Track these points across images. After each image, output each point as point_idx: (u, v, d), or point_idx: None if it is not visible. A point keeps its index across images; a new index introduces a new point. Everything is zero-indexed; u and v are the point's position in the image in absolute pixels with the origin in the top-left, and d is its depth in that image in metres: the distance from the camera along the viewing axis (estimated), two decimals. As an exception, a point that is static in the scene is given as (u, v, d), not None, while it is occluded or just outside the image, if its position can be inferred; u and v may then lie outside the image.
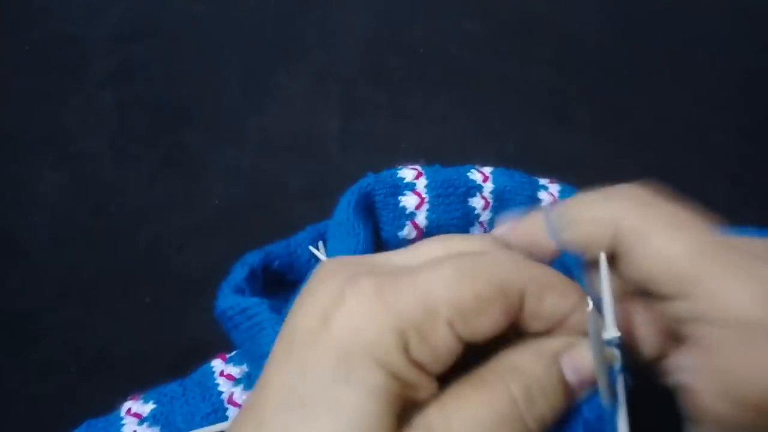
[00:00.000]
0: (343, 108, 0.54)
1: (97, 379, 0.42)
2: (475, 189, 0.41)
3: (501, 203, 0.41)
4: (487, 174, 0.41)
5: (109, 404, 0.39)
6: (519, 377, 0.21)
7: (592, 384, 0.22)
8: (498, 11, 0.60)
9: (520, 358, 0.22)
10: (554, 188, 0.42)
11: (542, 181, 0.42)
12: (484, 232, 0.42)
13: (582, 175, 0.45)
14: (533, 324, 0.22)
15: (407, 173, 0.40)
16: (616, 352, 0.22)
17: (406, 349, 0.20)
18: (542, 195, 0.41)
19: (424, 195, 0.40)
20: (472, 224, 0.41)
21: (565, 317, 0.22)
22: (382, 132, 0.53)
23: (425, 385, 0.21)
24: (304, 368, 0.20)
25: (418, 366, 0.20)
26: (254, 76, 0.56)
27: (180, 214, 0.49)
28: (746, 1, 0.61)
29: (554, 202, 0.41)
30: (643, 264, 0.23)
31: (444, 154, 0.51)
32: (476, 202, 0.41)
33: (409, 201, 0.40)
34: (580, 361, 0.22)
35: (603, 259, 0.24)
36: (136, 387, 0.40)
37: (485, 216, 0.41)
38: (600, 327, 0.22)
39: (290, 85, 0.56)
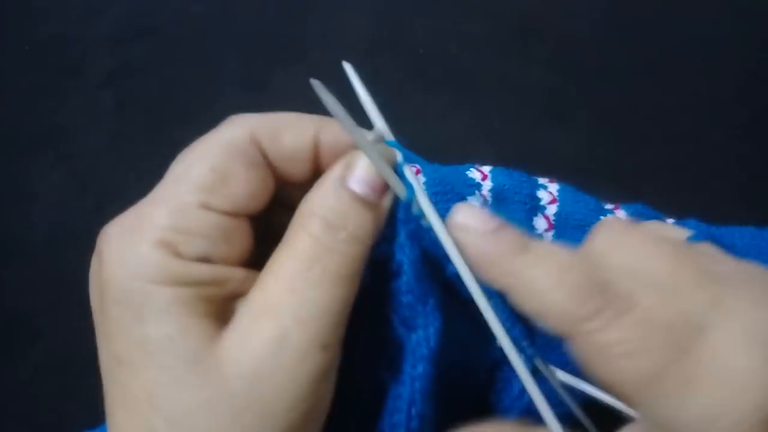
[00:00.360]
0: (343, 108, 0.54)
1: (97, 379, 0.42)
2: (474, 187, 0.41)
3: (500, 201, 0.41)
4: (486, 173, 0.41)
5: (108, 404, 0.39)
6: (314, 216, 0.21)
7: (387, 187, 0.22)
8: (498, 11, 0.60)
9: (310, 199, 0.22)
10: (553, 187, 0.42)
11: (541, 181, 0.42)
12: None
13: (582, 174, 0.45)
14: (287, 167, 0.22)
15: (406, 171, 0.40)
16: (393, 146, 0.23)
17: (176, 253, 0.20)
18: (541, 194, 0.41)
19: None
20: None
21: (313, 147, 0.22)
22: (382, 132, 0.53)
23: (230, 274, 0.21)
24: (107, 331, 0.21)
25: (201, 260, 0.20)
26: (253, 75, 0.56)
27: (180, 214, 0.49)
28: (746, 1, 0.61)
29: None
30: None
31: (444, 153, 0.51)
32: (475, 201, 0.41)
33: None
34: (362, 172, 0.22)
35: (349, 68, 0.24)
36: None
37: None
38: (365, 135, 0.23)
39: (290, 85, 0.56)
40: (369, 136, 0.23)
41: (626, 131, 0.53)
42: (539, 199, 0.41)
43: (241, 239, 0.22)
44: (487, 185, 0.41)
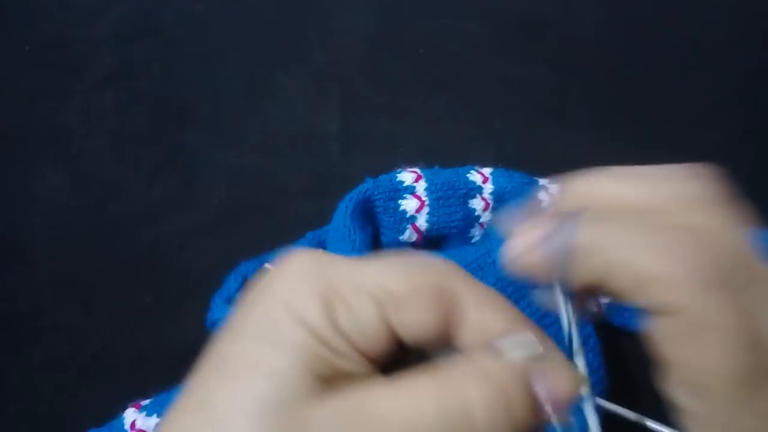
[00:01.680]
0: (343, 108, 0.54)
1: (97, 379, 0.42)
2: (475, 190, 0.41)
3: (501, 204, 0.41)
4: (487, 175, 0.41)
5: (109, 404, 0.39)
6: (484, 382, 0.19)
7: (564, 409, 0.20)
8: (498, 11, 0.60)
9: (488, 362, 0.20)
10: (554, 188, 0.42)
11: (542, 182, 0.42)
12: (484, 233, 0.42)
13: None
14: (467, 336, 0.21)
15: (406, 176, 0.40)
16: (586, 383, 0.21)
17: (330, 316, 0.20)
18: (542, 195, 0.41)
19: (424, 198, 0.40)
20: (472, 226, 0.41)
21: (502, 335, 0.21)
22: (382, 132, 0.53)
23: (357, 360, 0.20)
24: (234, 335, 0.20)
25: (344, 336, 0.20)
26: (254, 76, 0.56)
27: (180, 214, 0.49)
28: (746, 1, 0.61)
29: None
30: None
31: (444, 153, 0.51)
32: (476, 204, 0.41)
33: (409, 204, 0.40)
34: (555, 379, 0.20)
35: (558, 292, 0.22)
36: (136, 387, 0.40)
37: (485, 217, 0.41)
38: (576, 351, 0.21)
39: (290, 85, 0.56)
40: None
41: (626, 131, 0.53)
42: (540, 201, 0.41)
43: (385, 349, 0.21)
44: (488, 188, 0.41)
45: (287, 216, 0.48)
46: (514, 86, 0.56)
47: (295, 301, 0.20)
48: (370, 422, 0.18)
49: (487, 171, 0.41)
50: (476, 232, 0.42)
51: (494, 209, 0.41)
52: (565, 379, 0.20)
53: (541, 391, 0.20)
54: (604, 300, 0.40)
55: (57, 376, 0.42)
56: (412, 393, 0.19)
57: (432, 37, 0.59)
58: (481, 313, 0.21)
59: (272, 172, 0.51)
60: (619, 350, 0.40)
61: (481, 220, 0.41)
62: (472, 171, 0.41)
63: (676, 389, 0.19)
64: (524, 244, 0.22)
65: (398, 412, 0.18)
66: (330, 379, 0.19)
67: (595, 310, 0.40)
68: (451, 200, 0.40)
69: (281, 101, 0.55)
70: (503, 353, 0.20)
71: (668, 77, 0.57)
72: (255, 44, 0.58)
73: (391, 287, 0.20)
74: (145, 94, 0.55)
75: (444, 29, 0.59)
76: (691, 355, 0.18)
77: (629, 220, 0.20)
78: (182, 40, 0.59)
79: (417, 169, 0.41)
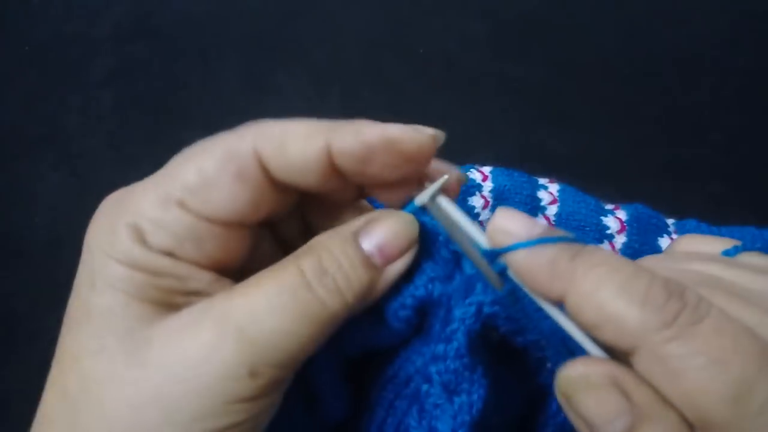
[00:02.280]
0: (343, 108, 0.54)
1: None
2: (475, 188, 0.40)
3: (500, 202, 0.41)
4: (487, 173, 0.41)
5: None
6: (313, 255, 0.20)
7: (398, 257, 0.21)
8: (498, 11, 0.60)
9: (319, 238, 0.21)
10: (553, 188, 0.42)
11: (542, 181, 0.42)
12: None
13: (582, 175, 0.45)
14: (294, 179, 0.21)
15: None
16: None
17: (142, 240, 0.20)
18: (542, 194, 0.41)
19: (423, 195, 0.40)
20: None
21: (320, 155, 0.21)
22: (382, 132, 0.53)
23: (191, 273, 0.20)
24: (74, 285, 0.21)
25: (166, 254, 0.20)
26: (254, 76, 0.56)
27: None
28: (746, 1, 0.61)
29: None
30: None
31: (444, 154, 0.50)
32: (476, 201, 0.41)
33: None
34: (381, 233, 0.21)
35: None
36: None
37: (485, 215, 0.41)
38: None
39: (290, 85, 0.56)
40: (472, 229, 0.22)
41: (626, 131, 0.53)
42: (540, 200, 0.41)
43: (220, 245, 0.21)
44: (488, 186, 0.41)
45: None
46: (514, 86, 0.56)
47: (104, 241, 0.21)
48: (211, 323, 0.19)
49: (486, 169, 0.41)
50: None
51: (494, 207, 0.41)
52: (389, 227, 0.21)
53: (368, 245, 0.21)
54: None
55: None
56: (249, 288, 0.20)
57: (432, 37, 0.59)
58: (282, 146, 0.21)
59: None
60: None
61: (481, 218, 0.41)
62: (471, 169, 0.41)
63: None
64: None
65: (238, 305, 0.19)
66: (170, 303, 0.20)
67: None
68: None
69: (281, 101, 0.55)
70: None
71: (668, 77, 0.57)
72: (255, 44, 0.58)
73: (182, 181, 0.21)
74: (145, 94, 0.55)
75: (444, 29, 0.59)
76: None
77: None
78: (182, 40, 0.59)
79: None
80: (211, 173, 0.20)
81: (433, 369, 0.22)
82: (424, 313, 0.22)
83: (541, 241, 0.20)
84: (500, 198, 0.41)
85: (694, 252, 0.25)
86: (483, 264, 0.21)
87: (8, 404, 0.42)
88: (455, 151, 0.52)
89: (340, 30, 0.59)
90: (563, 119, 0.54)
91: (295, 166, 0.21)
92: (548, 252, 0.20)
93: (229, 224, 0.21)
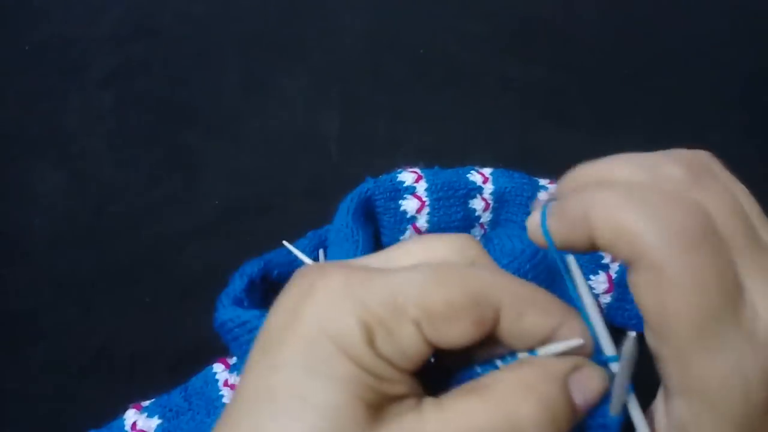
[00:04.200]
0: (343, 108, 0.54)
1: (97, 379, 0.42)
2: (476, 191, 0.40)
3: (501, 204, 0.41)
4: (487, 175, 0.41)
5: (108, 404, 0.39)
6: (532, 397, 0.20)
7: (596, 406, 0.22)
8: (498, 11, 0.60)
9: (531, 376, 0.21)
10: (554, 188, 0.42)
11: (542, 182, 0.42)
12: (485, 233, 0.42)
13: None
14: (513, 342, 0.22)
15: (407, 177, 0.40)
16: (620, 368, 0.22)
17: (372, 343, 0.20)
18: (542, 196, 0.41)
19: (424, 198, 0.40)
20: (472, 226, 0.41)
21: (548, 336, 0.22)
22: (382, 132, 0.53)
23: (399, 380, 0.20)
24: (275, 364, 0.20)
25: (386, 360, 0.20)
26: (254, 76, 0.56)
27: (180, 214, 0.49)
28: (746, 1, 0.61)
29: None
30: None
31: (444, 154, 0.51)
32: (477, 204, 0.41)
33: (409, 205, 0.40)
34: (587, 382, 0.21)
35: (574, 267, 0.23)
36: (136, 387, 0.40)
37: (486, 217, 0.41)
38: (628, 350, 0.21)
39: (290, 85, 0.56)
40: (606, 351, 0.22)
41: (626, 131, 0.53)
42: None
43: (424, 360, 0.21)
44: (489, 188, 0.41)
45: (287, 216, 0.48)
46: (514, 86, 0.56)
47: (334, 329, 0.20)
48: None
49: (487, 171, 0.41)
50: (477, 233, 0.42)
51: (494, 209, 0.41)
52: (596, 380, 0.21)
53: (578, 396, 0.21)
54: (605, 300, 0.40)
55: (57, 376, 0.42)
56: (462, 415, 0.19)
57: (432, 37, 0.59)
58: (520, 318, 0.21)
59: (272, 172, 0.51)
60: (619, 350, 0.40)
61: (482, 220, 0.41)
62: (472, 171, 0.41)
63: (650, 336, 0.21)
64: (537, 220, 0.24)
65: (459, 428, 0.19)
66: (378, 406, 0.20)
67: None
68: (452, 200, 0.40)
69: (281, 101, 0.55)
70: (545, 359, 0.21)
71: (668, 77, 0.57)
72: (255, 44, 0.58)
73: (427, 306, 0.20)
74: (145, 94, 0.55)
75: (444, 29, 0.59)
76: (658, 303, 0.19)
77: (621, 187, 0.21)
78: (182, 40, 0.59)
79: (417, 170, 0.41)
80: (457, 310, 0.20)
81: None
82: None
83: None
84: (501, 200, 0.41)
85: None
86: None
87: (8, 404, 0.42)
88: (455, 151, 0.53)
89: (340, 30, 0.59)
90: (563, 119, 0.54)
91: (524, 336, 0.21)
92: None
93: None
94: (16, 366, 0.43)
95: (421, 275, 0.21)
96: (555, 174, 0.44)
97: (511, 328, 0.21)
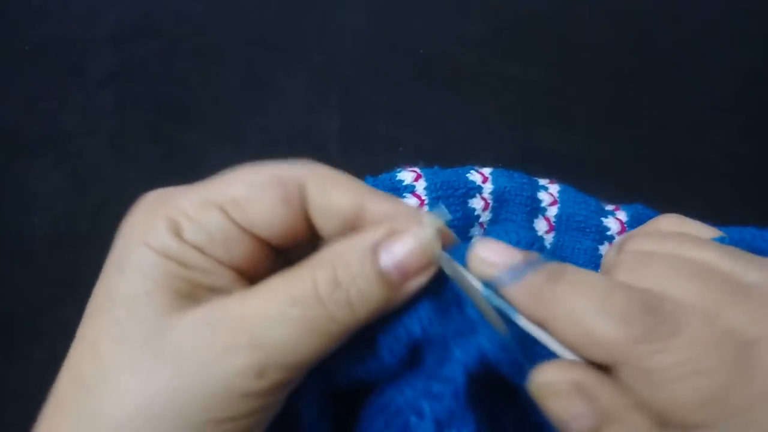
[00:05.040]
0: (343, 108, 0.54)
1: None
2: (475, 190, 0.40)
3: (501, 204, 0.41)
4: (487, 175, 0.41)
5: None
6: (327, 265, 0.21)
7: (417, 276, 0.21)
8: (498, 11, 0.60)
9: (335, 247, 0.21)
10: (554, 188, 0.42)
11: (542, 182, 0.42)
12: (484, 233, 0.42)
13: (582, 175, 0.45)
14: (325, 219, 0.22)
15: (406, 176, 0.40)
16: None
17: (178, 233, 0.21)
18: (542, 195, 0.41)
19: (423, 197, 0.40)
20: (472, 225, 0.41)
21: (358, 212, 0.22)
22: (382, 132, 0.53)
23: (216, 271, 0.21)
24: (102, 271, 0.22)
25: (196, 248, 0.21)
26: (254, 76, 0.56)
27: (180, 214, 0.49)
28: (745, 1, 0.61)
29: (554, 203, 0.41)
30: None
31: (444, 154, 0.51)
32: (476, 203, 0.41)
33: (408, 204, 0.40)
34: (399, 249, 0.21)
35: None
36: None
37: (485, 217, 0.41)
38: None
39: (290, 85, 0.56)
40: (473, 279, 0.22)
41: (626, 131, 0.53)
42: (540, 201, 0.41)
43: (245, 253, 0.22)
44: (488, 188, 0.41)
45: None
46: (514, 86, 0.56)
47: (141, 230, 0.21)
48: (226, 323, 0.20)
49: (486, 171, 0.41)
50: (476, 232, 0.42)
51: (494, 209, 0.41)
52: (407, 244, 0.21)
53: (385, 259, 0.21)
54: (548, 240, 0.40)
55: (56, 376, 0.42)
56: (266, 292, 0.20)
57: (432, 37, 0.59)
58: (326, 193, 0.22)
59: (272, 172, 0.51)
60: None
61: (481, 219, 0.41)
62: (471, 171, 0.41)
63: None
64: (493, 253, 0.22)
65: (252, 310, 0.20)
66: (192, 295, 0.21)
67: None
68: (451, 200, 0.40)
69: (281, 101, 0.55)
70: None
71: (668, 77, 0.57)
72: (255, 44, 0.58)
73: (231, 192, 0.22)
74: (145, 94, 0.55)
75: (444, 29, 0.59)
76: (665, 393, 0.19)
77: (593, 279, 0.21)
78: (182, 40, 0.59)
79: (417, 169, 0.41)
80: (258, 189, 0.22)
81: (425, 404, 0.22)
82: (417, 348, 0.22)
83: (529, 266, 0.21)
84: (501, 200, 0.41)
85: (686, 233, 0.25)
86: (487, 308, 0.21)
87: (8, 404, 0.42)
88: (455, 152, 0.53)
89: (340, 30, 0.59)
90: (563, 119, 0.54)
91: (331, 210, 0.22)
92: (532, 276, 0.21)
93: (259, 239, 0.22)
94: (16, 366, 0.43)
95: (231, 175, 0.23)
96: (555, 174, 0.44)
97: (320, 205, 0.22)
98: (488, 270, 0.21)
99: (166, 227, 0.21)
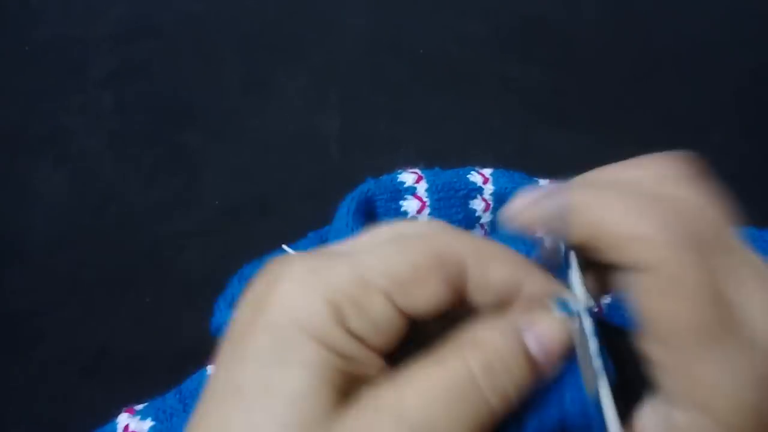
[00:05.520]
0: (343, 108, 0.54)
1: (97, 379, 0.42)
2: (476, 191, 0.40)
3: (502, 205, 0.41)
4: (488, 176, 0.41)
5: (108, 404, 0.39)
6: (478, 351, 0.20)
7: (560, 358, 0.21)
8: (498, 11, 0.60)
9: (480, 332, 0.21)
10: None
11: (542, 182, 0.42)
12: (485, 234, 0.42)
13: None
14: (481, 296, 0.21)
15: (407, 177, 0.40)
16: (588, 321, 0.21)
17: (342, 322, 0.19)
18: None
19: (425, 199, 0.40)
20: (473, 226, 0.41)
21: (514, 289, 0.21)
22: (382, 132, 0.53)
23: (370, 361, 0.20)
24: (243, 356, 0.19)
25: (358, 339, 0.20)
26: (254, 76, 0.56)
27: (180, 214, 0.49)
28: (746, 1, 0.61)
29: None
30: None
31: (444, 154, 0.51)
32: (477, 204, 0.41)
33: (410, 205, 0.40)
34: (544, 332, 0.21)
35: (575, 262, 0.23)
36: (136, 387, 0.40)
37: (486, 218, 0.41)
38: (582, 302, 0.22)
39: (290, 85, 0.56)
40: (578, 303, 0.22)
41: (626, 131, 0.53)
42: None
43: (398, 335, 0.21)
44: (489, 189, 0.41)
45: (287, 216, 0.48)
46: (514, 86, 0.56)
47: (301, 313, 0.19)
48: (388, 421, 0.18)
49: (487, 171, 0.41)
50: (478, 233, 0.42)
51: (495, 210, 0.41)
52: (554, 328, 0.21)
53: (533, 344, 0.21)
54: (605, 300, 0.40)
55: (57, 376, 0.42)
56: (417, 382, 0.19)
57: (432, 37, 0.59)
58: (485, 270, 0.21)
59: (272, 172, 0.51)
60: (618, 350, 0.40)
61: (482, 220, 0.41)
62: (472, 172, 0.41)
63: (649, 342, 0.20)
64: (523, 204, 0.23)
65: (408, 404, 0.19)
66: (348, 390, 0.19)
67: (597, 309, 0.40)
68: (452, 201, 0.40)
69: (281, 101, 0.55)
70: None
71: (668, 77, 0.57)
72: (255, 44, 0.58)
73: (394, 274, 0.20)
74: (145, 94, 0.55)
75: (444, 29, 0.59)
76: (662, 308, 0.19)
77: (617, 188, 0.22)
78: (182, 40, 0.59)
79: (418, 170, 0.41)
80: (424, 272, 0.20)
81: None
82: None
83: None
84: (501, 200, 0.41)
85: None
86: (588, 366, 0.21)
87: (8, 404, 0.42)
88: (455, 152, 0.53)
89: (340, 30, 0.59)
90: (563, 119, 0.54)
91: (490, 290, 0.21)
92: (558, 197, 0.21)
93: (416, 319, 0.21)
94: (16, 366, 0.43)
95: (384, 247, 0.21)
96: (555, 174, 0.44)
97: (478, 283, 0.21)
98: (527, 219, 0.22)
99: (330, 315, 0.19)
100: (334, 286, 0.20)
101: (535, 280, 0.22)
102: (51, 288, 0.46)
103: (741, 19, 0.60)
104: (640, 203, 0.20)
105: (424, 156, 0.48)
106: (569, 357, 0.22)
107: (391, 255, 0.20)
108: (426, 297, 0.20)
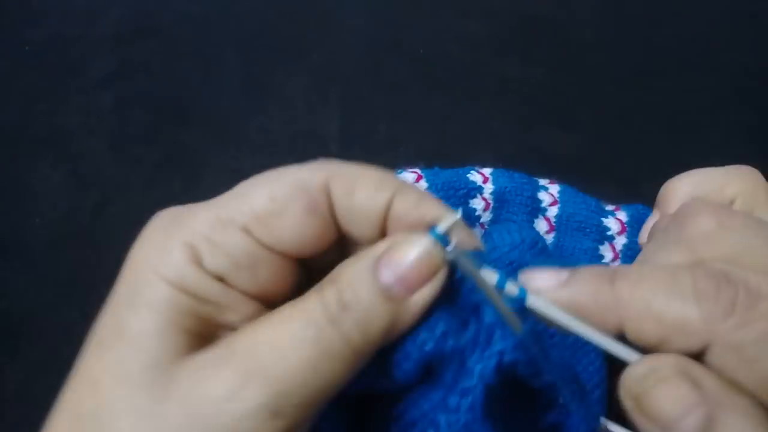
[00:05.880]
0: (343, 108, 0.54)
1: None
2: (476, 191, 0.40)
3: (501, 204, 0.41)
4: (487, 175, 0.41)
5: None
6: (334, 286, 0.19)
7: (423, 287, 0.20)
8: (498, 11, 0.60)
9: (341, 267, 0.20)
10: (554, 189, 0.42)
11: (542, 182, 0.42)
12: (485, 232, 0.42)
13: (582, 175, 0.45)
14: (355, 225, 0.21)
15: (407, 177, 0.40)
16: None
17: (197, 261, 0.19)
18: (542, 195, 0.41)
19: (425, 198, 0.40)
20: (473, 226, 0.41)
21: (385, 210, 0.20)
22: (382, 132, 0.53)
23: (237, 305, 0.20)
24: (108, 306, 0.20)
25: (217, 278, 0.19)
26: (254, 76, 0.56)
27: (180, 214, 0.49)
28: (746, 1, 0.61)
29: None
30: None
31: (444, 154, 0.51)
32: (477, 204, 0.41)
33: None
34: (401, 261, 0.20)
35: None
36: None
37: (486, 217, 0.41)
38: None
39: (290, 85, 0.56)
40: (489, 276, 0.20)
41: (626, 131, 0.53)
42: (540, 201, 0.41)
43: (272, 276, 0.20)
44: (489, 188, 0.41)
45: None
46: (514, 86, 0.56)
47: (156, 257, 0.19)
48: (236, 360, 0.18)
49: (487, 171, 0.41)
50: (477, 232, 0.42)
51: (494, 209, 0.41)
52: (407, 253, 0.20)
53: (385, 272, 0.19)
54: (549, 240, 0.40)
55: (57, 376, 0.42)
56: (277, 321, 0.19)
57: (432, 38, 0.59)
58: (350, 192, 0.21)
59: (272, 172, 0.51)
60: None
61: (482, 220, 0.41)
62: (472, 171, 0.41)
63: None
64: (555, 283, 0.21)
65: (263, 340, 0.19)
66: (207, 335, 0.19)
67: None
68: (452, 200, 0.40)
69: (281, 101, 0.55)
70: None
71: (668, 77, 0.57)
72: (255, 44, 0.58)
73: (251, 208, 0.20)
74: (145, 94, 0.55)
75: (444, 29, 0.59)
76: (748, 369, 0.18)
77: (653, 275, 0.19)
78: (182, 40, 0.59)
79: (417, 170, 0.41)
80: (282, 202, 0.20)
81: (442, 418, 0.21)
82: (433, 362, 0.22)
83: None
84: (501, 200, 0.41)
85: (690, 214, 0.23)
86: (503, 306, 0.20)
87: (8, 404, 0.42)
88: (455, 152, 0.53)
89: (340, 30, 0.59)
90: (563, 119, 0.54)
91: (359, 213, 0.20)
92: (587, 284, 0.19)
93: (287, 255, 0.20)
94: (16, 366, 0.43)
95: (246, 187, 0.21)
96: (555, 174, 0.44)
97: (345, 207, 0.20)
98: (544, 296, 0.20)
99: (183, 254, 0.19)
100: (193, 230, 0.20)
101: (404, 200, 0.20)
102: (51, 288, 0.46)
103: (741, 20, 0.60)
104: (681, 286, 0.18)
105: (423, 155, 0.48)
106: (446, 284, 0.20)
107: (251, 191, 0.20)
108: (288, 227, 0.20)
